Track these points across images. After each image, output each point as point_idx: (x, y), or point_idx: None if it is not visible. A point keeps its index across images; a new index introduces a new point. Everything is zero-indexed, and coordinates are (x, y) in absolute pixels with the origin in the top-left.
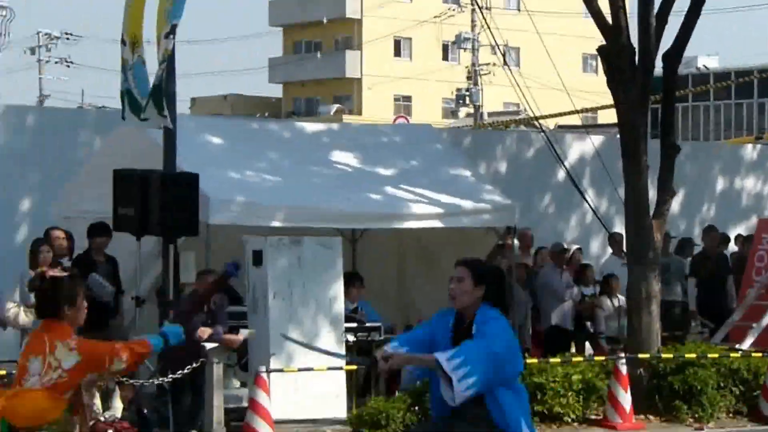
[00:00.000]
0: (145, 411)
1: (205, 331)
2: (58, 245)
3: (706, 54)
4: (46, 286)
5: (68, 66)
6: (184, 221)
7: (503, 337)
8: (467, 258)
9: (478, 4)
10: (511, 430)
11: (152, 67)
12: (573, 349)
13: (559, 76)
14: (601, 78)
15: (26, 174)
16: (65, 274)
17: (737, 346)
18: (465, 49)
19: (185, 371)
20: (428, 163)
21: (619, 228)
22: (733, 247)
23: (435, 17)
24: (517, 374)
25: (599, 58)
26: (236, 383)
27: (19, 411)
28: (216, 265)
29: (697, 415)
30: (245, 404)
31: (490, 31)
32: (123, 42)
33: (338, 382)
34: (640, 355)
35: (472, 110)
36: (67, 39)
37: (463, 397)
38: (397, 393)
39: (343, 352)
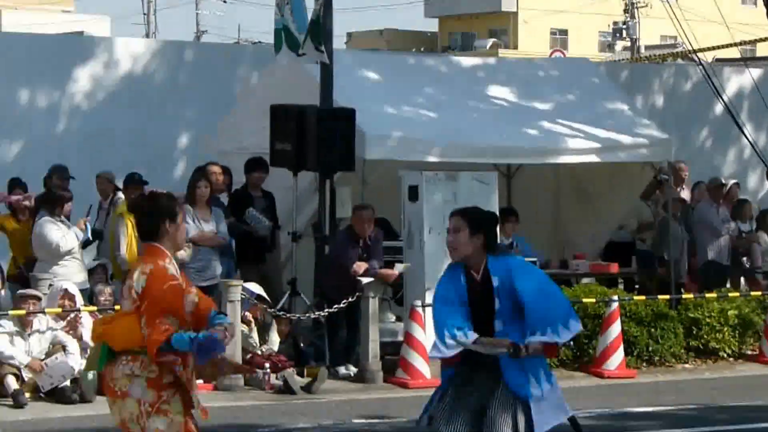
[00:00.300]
0: (302, 345)
1: (360, 266)
2: (215, 180)
3: None
4: (145, 202)
5: (225, 1)
6: (341, 156)
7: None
8: (461, 207)
9: None
10: (531, 368)
11: (308, 3)
12: (728, 285)
13: (718, 8)
14: (761, 10)
15: (184, 110)
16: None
17: None
18: None
19: (341, 305)
20: (585, 98)
21: None
22: None
23: None
24: None
25: None
26: (391, 317)
27: (115, 335)
28: (371, 200)
29: None
30: (400, 338)
31: None
32: None
33: None
34: None
35: (628, 43)
36: None
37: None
38: None
39: None
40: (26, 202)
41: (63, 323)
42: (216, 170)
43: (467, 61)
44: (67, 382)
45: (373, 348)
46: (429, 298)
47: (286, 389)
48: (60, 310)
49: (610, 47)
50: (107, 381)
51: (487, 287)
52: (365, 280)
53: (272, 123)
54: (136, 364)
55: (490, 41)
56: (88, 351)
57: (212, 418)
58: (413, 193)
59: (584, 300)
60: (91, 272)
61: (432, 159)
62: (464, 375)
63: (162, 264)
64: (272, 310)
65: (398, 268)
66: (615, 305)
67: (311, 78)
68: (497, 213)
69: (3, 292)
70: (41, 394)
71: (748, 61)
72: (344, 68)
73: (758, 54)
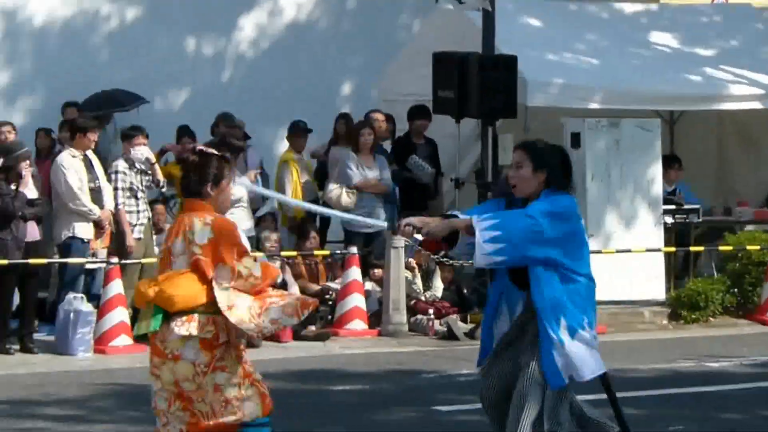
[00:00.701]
0: (465, 291)
1: None
2: (378, 128)
3: None
4: (194, 159)
5: None
6: (503, 103)
7: (555, 214)
8: (526, 140)
9: None
10: (546, 317)
11: None
12: None
13: None
14: None
15: (348, 57)
16: (215, 152)
17: None
18: None
19: None
20: (748, 44)
21: None
22: None
23: None
24: (576, 265)
25: None
26: None
27: (174, 295)
28: None
29: None
30: None
31: None
32: None
33: (656, 264)
34: None
35: None
36: None
37: (484, 259)
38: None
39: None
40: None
41: None
42: (379, 117)
43: (629, 7)
44: None
45: None
46: (592, 244)
47: (450, 335)
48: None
49: None
50: (156, 342)
51: None
52: None
53: (435, 70)
54: (192, 325)
55: None
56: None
57: (376, 364)
58: (575, 140)
59: (748, 247)
60: (260, 220)
61: (594, 106)
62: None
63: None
64: (436, 256)
65: None
66: None
67: (473, 25)
68: (563, 149)
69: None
70: None
71: None
72: (506, 15)
73: None
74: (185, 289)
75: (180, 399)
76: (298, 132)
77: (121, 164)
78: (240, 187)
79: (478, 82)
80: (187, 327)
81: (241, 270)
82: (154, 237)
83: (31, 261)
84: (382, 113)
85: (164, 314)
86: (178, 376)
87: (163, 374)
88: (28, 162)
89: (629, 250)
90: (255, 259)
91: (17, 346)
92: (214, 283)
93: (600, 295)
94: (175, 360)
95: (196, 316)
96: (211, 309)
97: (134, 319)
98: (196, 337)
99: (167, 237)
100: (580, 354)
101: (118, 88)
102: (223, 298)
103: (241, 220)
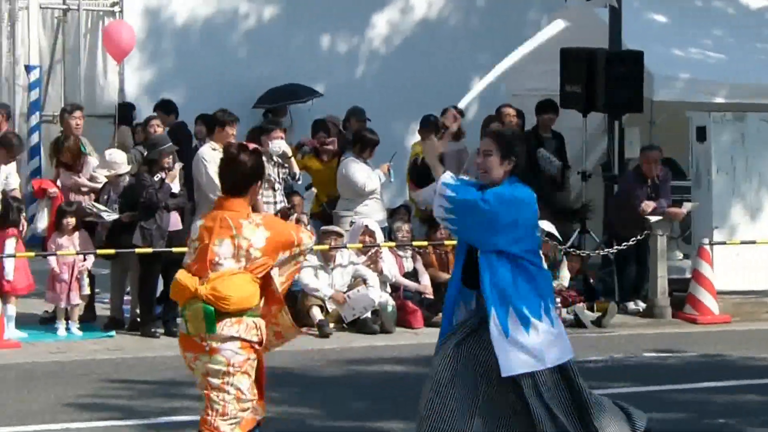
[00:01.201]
0: (591, 281)
1: (649, 205)
2: (509, 122)
3: None
4: (244, 156)
5: None
6: (629, 98)
7: (505, 201)
8: (495, 128)
9: None
10: (495, 306)
11: None
12: None
13: None
14: None
15: (477, 53)
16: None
17: None
18: None
19: (630, 243)
20: None
21: None
22: None
23: None
24: (529, 254)
25: None
26: (679, 255)
27: (229, 296)
28: (659, 141)
29: None
30: (688, 275)
31: None
32: None
33: None
34: None
35: None
36: None
37: (439, 215)
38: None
39: None
40: (330, 146)
41: (364, 258)
42: (510, 112)
43: (755, 3)
44: (368, 314)
45: (662, 284)
46: (717, 236)
47: (577, 323)
48: (361, 245)
49: None
50: (194, 338)
51: None
52: (653, 218)
53: (562, 66)
54: (241, 327)
55: None
56: (186, 311)
57: None
58: (701, 134)
59: None
60: (394, 211)
61: (719, 100)
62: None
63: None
64: (563, 247)
65: (686, 206)
66: None
67: (600, 21)
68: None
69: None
70: (344, 325)
71: None
72: (632, 11)
73: None
74: (240, 290)
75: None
76: (429, 126)
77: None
78: (376, 178)
79: (605, 76)
80: (237, 329)
81: (295, 251)
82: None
83: (175, 249)
84: (512, 108)
85: (217, 313)
86: (210, 369)
87: (198, 367)
88: (171, 157)
89: (754, 242)
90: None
91: (162, 330)
92: (274, 272)
93: (725, 285)
94: (211, 353)
95: (244, 318)
96: (258, 312)
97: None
98: (243, 339)
99: (205, 235)
100: (535, 343)
101: (293, 82)
102: (277, 283)
103: (375, 211)
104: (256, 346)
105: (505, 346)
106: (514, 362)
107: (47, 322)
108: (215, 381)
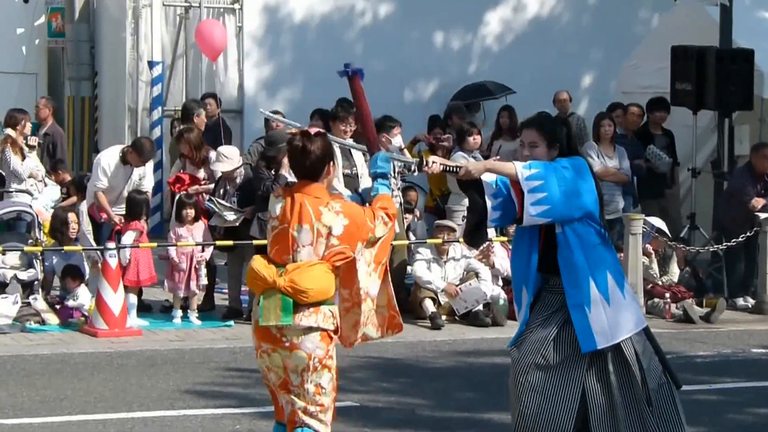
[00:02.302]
0: (701, 276)
1: (759, 201)
2: (633, 120)
3: None
4: (311, 141)
5: None
6: (740, 96)
7: (579, 171)
8: (533, 118)
9: None
10: (578, 277)
11: None
12: None
13: None
14: None
15: (589, 51)
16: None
17: None
18: None
19: (739, 239)
20: None
21: None
22: None
23: None
24: (589, 213)
25: None
26: None
27: (309, 289)
28: None
29: None
30: None
31: None
32: None
33: None
34: None
35: None
36: None
37: (531, 218)
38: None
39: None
40: (445, 143)
41: (476, 252)
42: (635, 111)
43: None
44: (480, 306)
45: None
46: None
47: (686, 318)
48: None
49: None
50: (273, 331)
51: None
52: (763, 215)
53: (673, 64)
54: (319, 317)
55: None
56: (264, 301)
57: None
58: None
59: None
60: None
61: None
62: None
63: (341, 199)
64: (672, 243)
65: None
66: None
67: (711, 19)
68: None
69: (420, 222)
70: (456, 317)
71: None
72: (743, 9)
73: None
74: (319, 282)
75: (283, 388)
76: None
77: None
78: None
79: (716, 74)
80: (315, 318)
81: (377, 231)
82: (407, 219)
83: None
84: (638, 106)
85: (294, 305)
86: (290, 365)
87: (273, 359)
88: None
89: None
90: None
91: None
92: (358, 264)
93: None
94: (291, 349)
95: (322, 307)
96: (334, 300)
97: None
98: (318, 329)
99: (283, 218)
100: (633, 305)
101: (488, 79)
102: (362, 278)
103: None
104: (332, 335)
105: (609, 312)
106: (624, 325)
107: (168, 311)
108: (295, 378)
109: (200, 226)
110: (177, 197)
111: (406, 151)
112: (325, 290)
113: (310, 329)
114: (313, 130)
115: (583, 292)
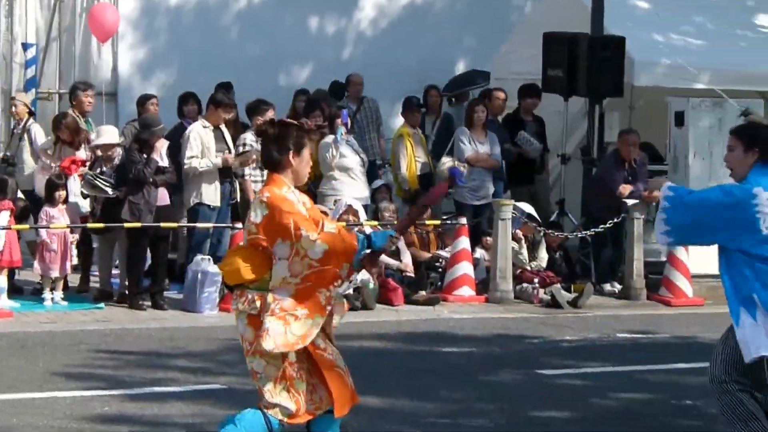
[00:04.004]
0: (572, 261)
1: (626, 188)
2: (498, 106)
3: None
4: (273, 131)
5: None
6: (611, 83)
7: (720, 191)
8: (739, 125)
9: None
10: (731, 305)
11: None
12: None
13: None
14: None
15: (463, 37)
16: (294, 122)
17: None
18: None
19: (607, 225)
20: None
21: None
22: None
23: None
24: (753, 246)
25: None
26: (654, 238)
27: (223, 270)
28: (638, 125)
29: None
30: (663, 258)
31: None
32: None
33: None
34: None
35: None
36: None
37: (661, 238)
38: None
39: None
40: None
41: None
42: (500, 96)
43: None
44: (350, 290)
45: (638, 267)
46: None
47: (554, 303)
48: (344, 224)
49: None
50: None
51: None
52: (630, 201)
53: (545, 50)
54: (242, 300)
55: None
56: None
57: (484, 328)
58: (679, 119)
59: None
60: (376, 191)
61: (700, 86)
62: None
63: (279, 191)
64: (541, 228)
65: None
66: None
67: (583, 6)
68: None
69: None
70: None
71: None
72: None
73: None
74: (231, 264)
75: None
76: (411, 108)
77: (248, 137)
78: (356, 157)
79: (587, 61)
80: (237, 302)
81: (298, 248)
82: None
83: (162, 225)
84: (503, 91)
85: (227, 286)
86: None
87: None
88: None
89: None
90: (325, 239)
91: (149, 303)
92: (273, 258)
93: (699, 268)
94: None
95: (246, 291)
96: (264, 285)
97: None
98: (244, 312)
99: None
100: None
101: (475, 69)
102: (277, 276)
103: (357, 190)
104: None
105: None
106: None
107: (39, 294)
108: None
109: (69, 207)
110: (47, 178)
111: None
112: (236, 273)
113: (239, 312)
114: (287, 120)
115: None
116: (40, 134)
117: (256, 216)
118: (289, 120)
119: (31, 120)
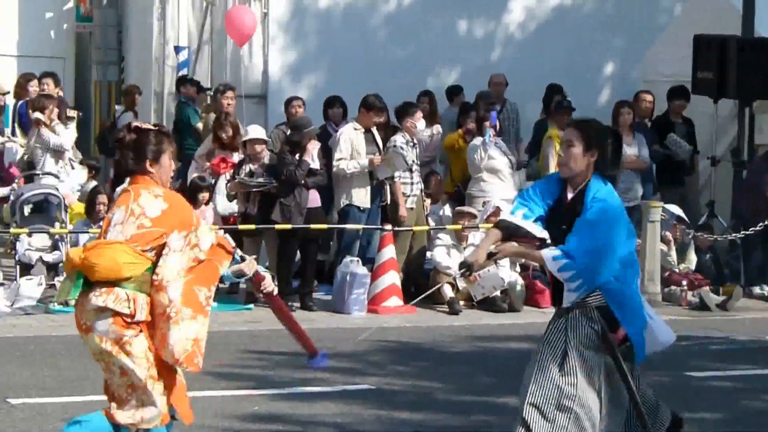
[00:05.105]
0: (721, 263)
1: None
2: (646, 108)
3: None
4: (131, 137)
5: None
6: (761, 84)
7: (608, 223)
8: (580, 119)
9: None
10: (625, 323)
11: None
12: None
13: None
14: None
15: (611, 39)
16: (152, 127)
17: None
18: None
19: (757, 228)
20: None
21: None
22: None
23: None
24: (622, 259)
25: None
26: None
27: (95, 264)
28: None
29: None
30: None
31: None
32: None
33: None
34: None
35: None
36: None
37: (572, 296)
38: None
39: None
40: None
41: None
42: (647, 98)
43: None
44: (498, 293)
45: None
46: None
47: (702, 306)
48: (491, 225)
49: None
50: (77, 312)
51: (572, 208)
52: None
53: (695, 52)
54: (110, 297)
55: None
56: (61, 281)
57: None
58: None
59: None
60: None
61: None
62: None
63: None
64: (690, 230)
65: None
66: None
67: (732, 8)
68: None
69: (445, 208)
70: (474, 303)
71: None
72: None
73: None
74: (109, 260)
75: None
76: (560, 110)
77: (399, 139)
78: (506, 159)
79: (737, 63)
80: (104, 298)
81: (191, 238)
82: (428, 207)
83: (312, 226)
84: (650, 94)
85: (86, 282)
86: (92, 349)
87: (89, 344)
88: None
89: None
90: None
91: (298, 304)
92: (165, 250)
93: None
94: (87, 332)
95: (116, 289)
96: (139, 287)
97: (404, 282)
98: (110, 311)
99: (111, 208)
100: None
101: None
102: (168, 269)
103: (504, 191)
104: (128, 320)
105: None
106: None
107: None
108: (101, 364)
109: (210, 209)
110: (190, 180)
111: None
112: (115, 268)
113: (101, 310)
114: (144, 125)
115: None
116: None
117: (152, 211)
118: (146, 125)
119: None
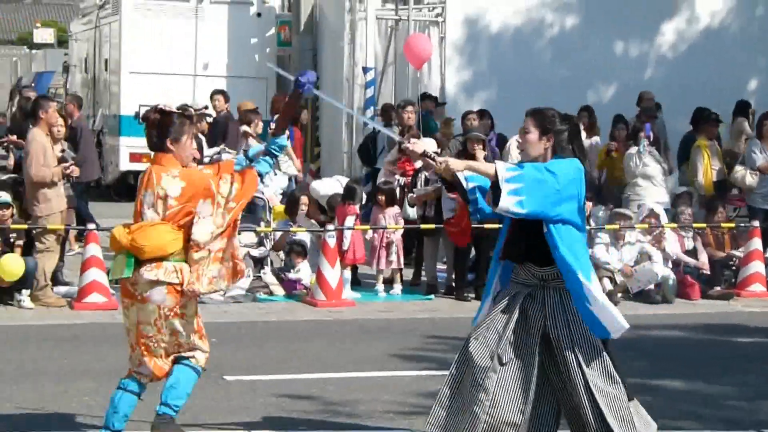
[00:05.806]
0: None
1: None
2: None
3: None
4: (154, 118)
5: None
6: None
7: (562, 172)
8: (535, 108)
9: None
10: (575, 269)
11: None
12: None
13: None
14: None
15: (755, 57)
16: (175, 110)
17: None
18: None
19: None
20: None
21: None
22: None
23: None
24: (574, 219)
25: None
26: None
27: (143, 245)
28: None
29: None
30: None
31: None
32: None
33: None
34: None
35: None
36: None
37: (505, 208)
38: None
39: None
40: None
41: (649, 237)
42: None
43: None
44: (652, 286)
45: None
46: None
47: None
48: (647, 226)
49: None
50: (127, 285)
51: None
52: None
53: None
54: (160, 271)
55: None
56: (113, 259)
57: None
58: None
59: None
60: (678, 197)
61: None
62: None
63: (183, 167)
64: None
65: None
66: None
67: None
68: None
69: (602, 212)
70: (630, 295)
71: None
72: None
73: None
74: (156, 240)
75: (138, 342)
76: (710, 122)
77: None
78: (657, 165)
79: None
80: (155, 273)
81: (219, 200)
82: (589, 208)
83: (486, 225)
84: None
85: (136, 261)
86: (142, 317)
87: (130, 314)
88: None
89: None
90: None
91: (473, 295)
92: (195, 219)
93: None
94: (143, 301)
95: (164, 263)
96: (182, 257)
97: None
98: (164, 282)
99: (139, 188)
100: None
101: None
102: (199, 233)
103: (658, 195)
104: (178, 288)
105: (598, 308)
106: (618, 322)
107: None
108: (149, 329)
109: (395, 209)
110: (376, 185)
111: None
112: (162, 246)
113: (154, 282)
114: (168, 108)
115: (578, 283)
116: None
117: (174, 191)
118: (170, 108)
119: None
